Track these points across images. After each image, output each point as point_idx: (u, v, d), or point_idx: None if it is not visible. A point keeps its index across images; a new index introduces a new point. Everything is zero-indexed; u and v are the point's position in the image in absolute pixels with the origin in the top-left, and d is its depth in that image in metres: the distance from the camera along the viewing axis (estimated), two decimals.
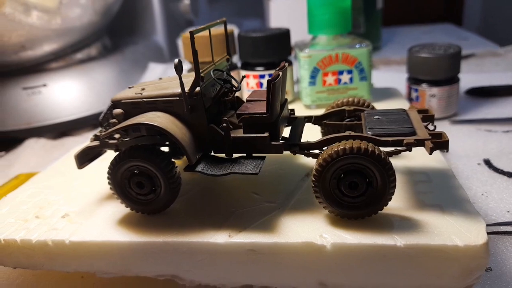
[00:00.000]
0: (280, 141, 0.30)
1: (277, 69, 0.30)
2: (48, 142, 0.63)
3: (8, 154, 0.60)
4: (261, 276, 0.28)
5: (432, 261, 0.25)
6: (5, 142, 0.63)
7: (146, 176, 0.29)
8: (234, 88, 0.33)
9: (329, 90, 0.51)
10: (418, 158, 0.35)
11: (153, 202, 0.30)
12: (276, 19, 0.90)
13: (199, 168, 0.29)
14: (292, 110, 0.36)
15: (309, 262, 0.26)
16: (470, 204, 0.29)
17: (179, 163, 0.38)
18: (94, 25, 0.71)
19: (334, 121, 0.35)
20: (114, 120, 0.31)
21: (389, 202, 0.27)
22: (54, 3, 0.61)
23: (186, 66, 0.61)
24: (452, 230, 0.26)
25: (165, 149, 0.36)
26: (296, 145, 0.30)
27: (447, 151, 0.27)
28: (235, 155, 0.30)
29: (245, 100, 0.33)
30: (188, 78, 0.30)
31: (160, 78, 0.35)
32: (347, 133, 0.29)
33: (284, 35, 0.52)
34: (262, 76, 0.53)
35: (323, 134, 0.37)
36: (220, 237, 0.27)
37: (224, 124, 0.29)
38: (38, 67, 0.67)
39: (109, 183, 0.30)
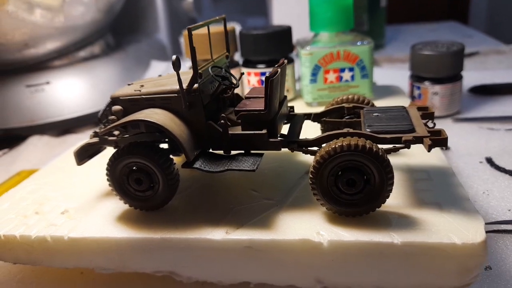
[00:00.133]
0: (278, 138, 0.29)
1: (276, 66, 0.30)
2: (51, 140, 0.63)
3: (11, 151, 0.60)
4: (258, 273, 0.28)
5: (430, 259, 0.25)
6: (9, 139, 0.64)
7: (145, 173, 0.29)
8: (233, 85, 0.33)
9: (330, 88, 0.51)
10: (419, 156, 0.35)
11: (151, 198, 0.30)
12: (279, 16, 0.90)
13: (197, 164, 0.29)
14: (292, 107, 0.36)
15: (306, 259, 0.26)
16: (469, 202, 0.28)
17: (178, 160, 0.38)
18: (97, 23, 0.71)
19: (333, 118, 0.35)
20: (113, 117, 0.31)
21: (387, 200, 0.27)
22: (57, 1, 0.61)
23: (188, 63, 0.61)
24: (450, 228, 0.26)
25: (165, 146, 0.36)
26: (294, 142, 0.30)
27: (446, 148, 0.27)
28: (233, 152, 0.30)
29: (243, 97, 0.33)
30: (187, 75, 0.30)
31: (160, 75, 0.35)
32: (345, 130, 0.29)
33: (285, 32, 0.52)
34: (263, 74, 0.53)
35: (323, 131, 0.36)
36: (218, 234, 0.27)
37: (222, 121, 0.29)
38: (41, 65, 0.67)
39: (107, 179, 0.30)
